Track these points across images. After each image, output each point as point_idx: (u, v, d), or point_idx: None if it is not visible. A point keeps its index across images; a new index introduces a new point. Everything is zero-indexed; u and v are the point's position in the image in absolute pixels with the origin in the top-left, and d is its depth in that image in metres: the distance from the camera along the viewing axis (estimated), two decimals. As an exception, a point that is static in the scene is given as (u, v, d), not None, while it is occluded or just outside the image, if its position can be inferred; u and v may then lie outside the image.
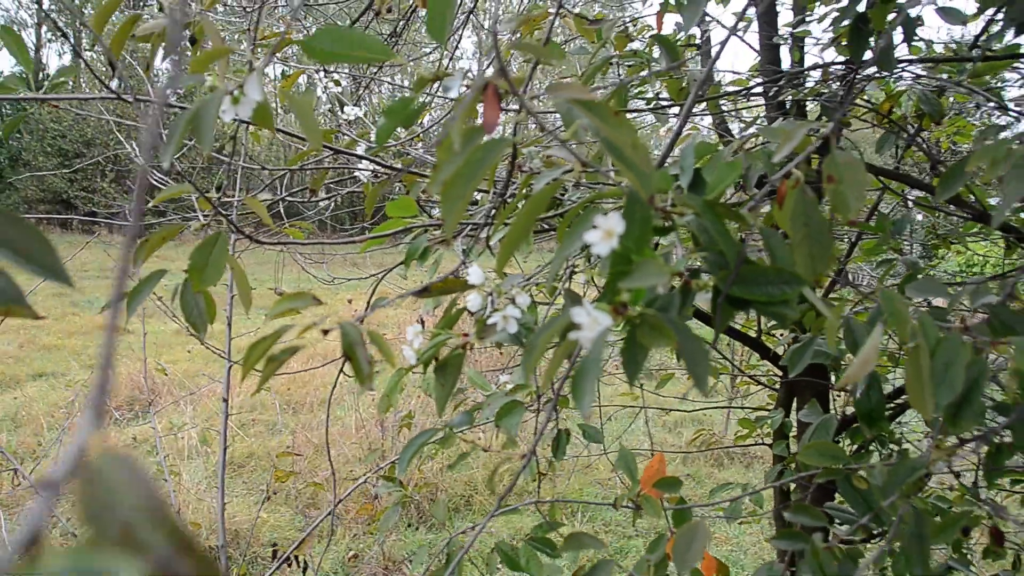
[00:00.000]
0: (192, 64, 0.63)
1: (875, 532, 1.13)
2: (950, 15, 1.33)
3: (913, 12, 1.28)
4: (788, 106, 1.78)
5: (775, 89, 1.70)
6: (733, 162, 0.71)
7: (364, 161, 1.37)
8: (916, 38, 1.32)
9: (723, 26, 1.56)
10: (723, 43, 1.03)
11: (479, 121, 0.57)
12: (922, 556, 0.92)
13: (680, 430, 6.55)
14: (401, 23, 2.28)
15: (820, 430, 1.26)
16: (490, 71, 0.57)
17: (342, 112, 1.58)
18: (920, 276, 1.31)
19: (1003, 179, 0.75)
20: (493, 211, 1.14)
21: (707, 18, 2.14)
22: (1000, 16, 1.33)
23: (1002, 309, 0.94)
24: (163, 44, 0.92)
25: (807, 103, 1.80)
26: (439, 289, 0.87)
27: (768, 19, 1.92)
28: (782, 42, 1.88)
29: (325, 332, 0.66)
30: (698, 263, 0.74)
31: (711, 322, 0.93)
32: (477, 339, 0.83)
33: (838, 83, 1.39)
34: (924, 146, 1.63)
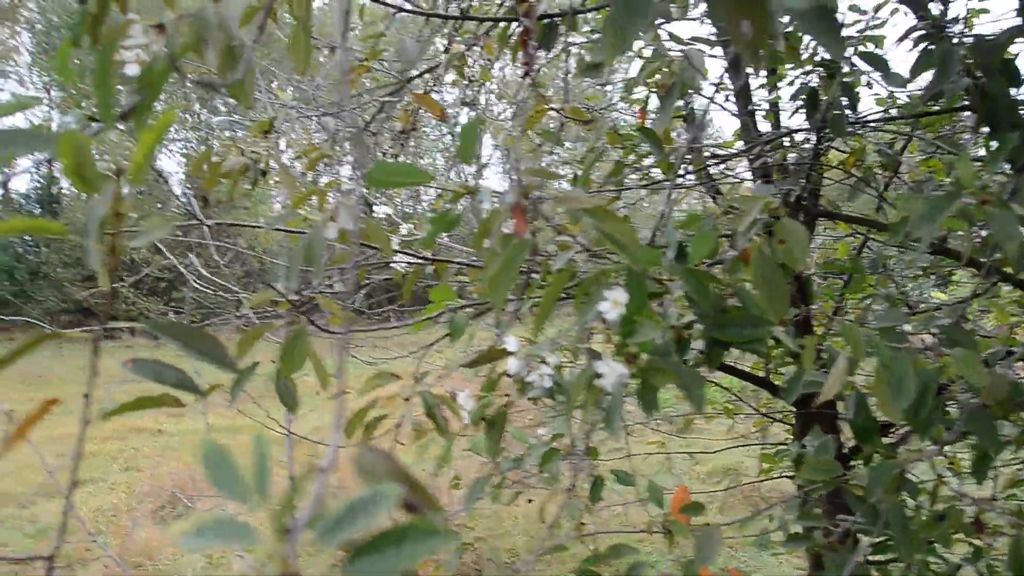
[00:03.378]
0: (292, 202, 0.84)
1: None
2: (892, 80, 1.55)
3: (855, 79, 1.51)
4: (769, 167, 2.00)
5: (754, 154, 1.92)
6: (706, 234, 0.92)
7: (399, 254, 1.59)
8: (875, 95, 1.54)
9: (704, 96, 1.79)
10: (697, 126, 1.25)
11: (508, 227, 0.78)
12: (909, 542, 1.09)
13: (714, 479, 6.64)
14: (410, 125, 2.52)
15: (820, 450, 1.44)
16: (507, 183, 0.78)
17: (372, 211, 1.81)
18: (892, 306, 1.51)
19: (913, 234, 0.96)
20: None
21: (688, 91, 2.39)
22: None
23: (951, 329, 1.14)
24: (242, 178, 1.15)
25: (786, 163, 2.03)
26: (485, 358, 1.07)
27: (743, 92, 2.16)
28: (758, 108, 2.11)
29: (407, 399, 0.86)
30: (691, 317, 0.94)
31: (734, 371, 1.11)
32: (519, 395, 1.03)
33: (806, 146, 1.61)
34: (894, 191, 1.85)
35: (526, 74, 1.20)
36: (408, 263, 1.62)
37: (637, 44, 1.94)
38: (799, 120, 2.30)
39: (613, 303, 0.79)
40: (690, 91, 2.37)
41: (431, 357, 2.23)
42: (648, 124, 1.64)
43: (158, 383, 0.70)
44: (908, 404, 0.98)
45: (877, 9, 1.80)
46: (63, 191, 21.47)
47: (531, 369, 1.05)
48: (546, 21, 1.20)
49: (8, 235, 0.54)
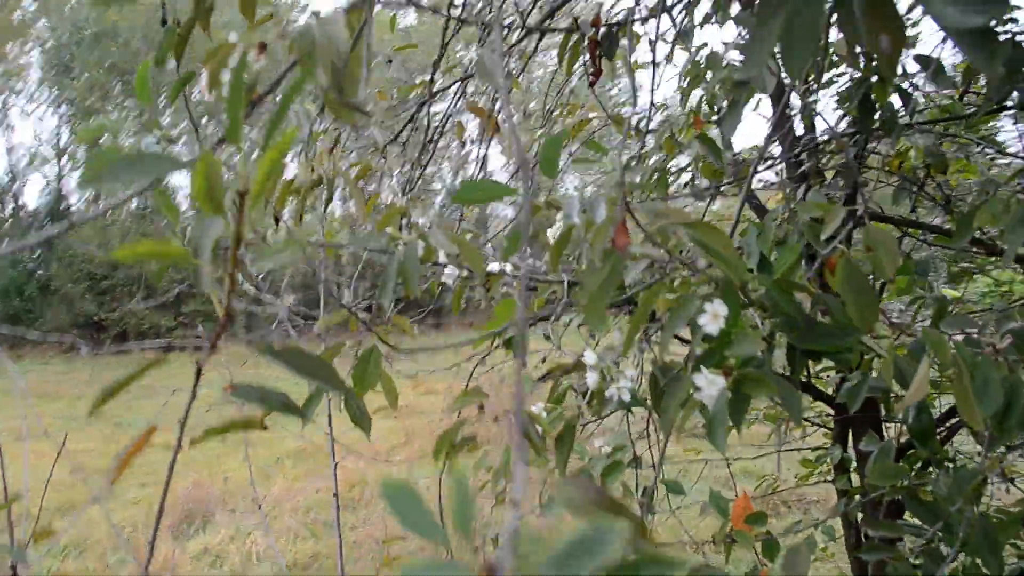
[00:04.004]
0: (378, 224, 0.83)
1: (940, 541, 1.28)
2: (940, 82, 1.54)
3: (905, 83, 1.50)
4: (807, 171, 1.99)
5: (794, 157, 1.91)
6: (793, 247, 0.91)
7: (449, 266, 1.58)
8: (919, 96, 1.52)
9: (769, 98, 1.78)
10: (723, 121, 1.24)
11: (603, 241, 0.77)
12: (994, 555, 1.08)
13: (734, 482, 6.59)
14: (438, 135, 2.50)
15: (882, 455, 1.42)
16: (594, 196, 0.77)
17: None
18: (950, 310, 1.49)
19: (1004, 231, 0.94)
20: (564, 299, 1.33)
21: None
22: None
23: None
24: (313, 195, 1.14)
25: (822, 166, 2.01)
26: (559, 371, 1.06)
27: (778, 94, 2.15)
28: (792, 113, 2.09)
29: (496, 419, 0.85)
30: (770, 327, 0.93)
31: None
32: (597, 411, 1.02)
33: (852, 149, 1.60)
34: (934, 192, 1.83)
35: (592, 84, 1.19)
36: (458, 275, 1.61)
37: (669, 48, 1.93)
38: (830, 120, 2.29)
39: (713, 315, 0.78)
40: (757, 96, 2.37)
41: (466, 368, 2.22)
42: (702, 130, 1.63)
43: (265, 407, 0.69)
44: (995, 410, 0.97)
45: (910, 9, 1.79)
46: (71, 208, 21.52)
47: (608, 382, 1.04)
48: (607, 30, 1.19)
49: (133, 260, 0.53)
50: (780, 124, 2.15)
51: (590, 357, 1.05)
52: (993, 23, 0.50)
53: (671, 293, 0.91)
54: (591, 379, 1.04)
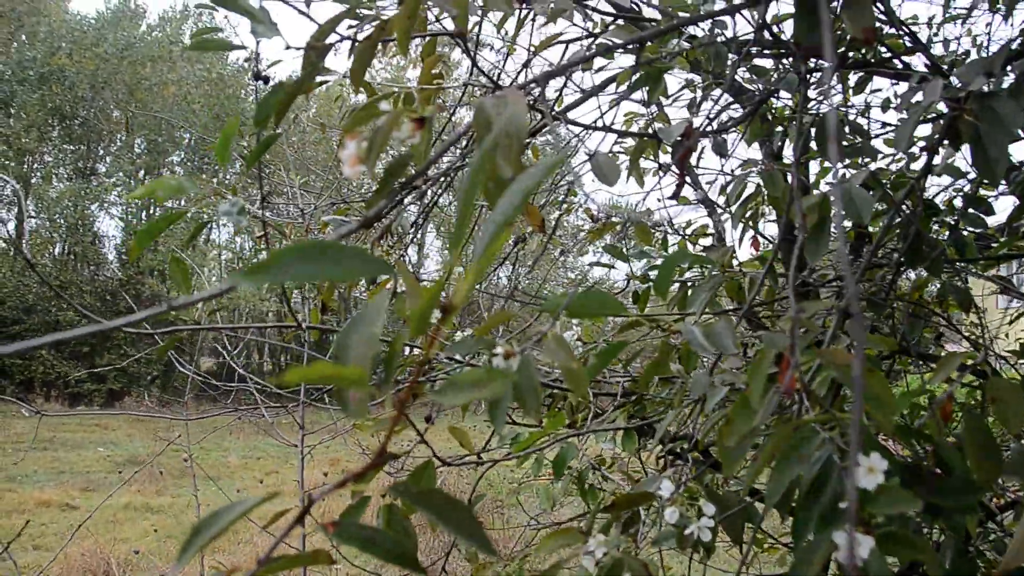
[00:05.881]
0: (478, 330, 0.74)
1: None
2: (975, 223, 1.54)
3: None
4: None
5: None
6: (911, 391, 0.85)
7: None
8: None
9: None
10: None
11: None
12: None
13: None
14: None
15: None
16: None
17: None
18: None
19: None
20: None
21: (719, 210, 2.37)
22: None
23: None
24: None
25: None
26: (630, 502, 0.96)
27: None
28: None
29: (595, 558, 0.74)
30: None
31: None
32: (679, 545, 0.92)
33: (882, 279, 1.57)
34: (950, 326, 1.83)
35: (676, 195, 1.13)
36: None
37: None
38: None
39: (870, 469, 0.69)
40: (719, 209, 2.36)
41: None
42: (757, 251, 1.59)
43: (373, 553, 0.57)
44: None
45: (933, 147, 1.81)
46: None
47: (687, 518, 0.94)
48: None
49: (307, 382, 0.42)
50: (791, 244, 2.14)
51: (667, 488, 0.95)
52: None
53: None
54: (671, 515, 0.94)
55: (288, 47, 0.80)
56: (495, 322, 0.77)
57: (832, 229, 1.05)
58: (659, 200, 2.12)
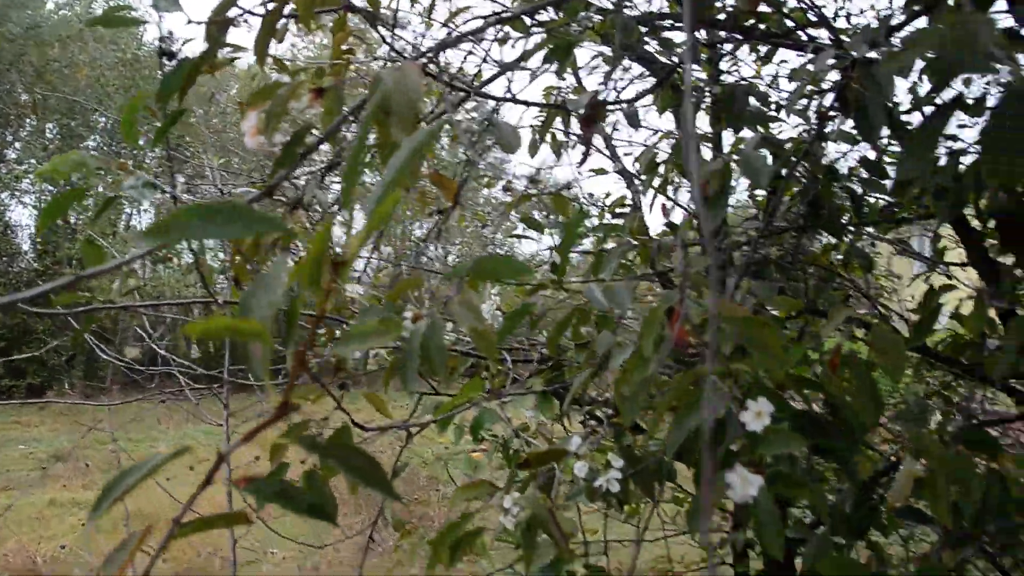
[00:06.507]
0: (389, 295, 0.76)
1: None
2: (872, 186, 1.62)
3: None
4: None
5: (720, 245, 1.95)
6: (801, 344, 0.90)
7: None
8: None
9: (655, 190, 1.82)
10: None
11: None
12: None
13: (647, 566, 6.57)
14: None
15: (825, 545, 1.43)
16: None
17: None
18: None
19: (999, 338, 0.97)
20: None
21: (636, 183, 2.43)
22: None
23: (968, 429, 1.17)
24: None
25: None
26: (543, 459, 1.00)
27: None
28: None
29: (505, 510, 0.78)
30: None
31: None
32: (589, 497, 0.96)
33: (791, 244, 1.65)
34: (856, 286, 1.93)
35: (581, 164, 1.17)
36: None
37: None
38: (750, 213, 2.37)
39: (757, 413, 0.74)
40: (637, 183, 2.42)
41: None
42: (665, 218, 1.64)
43: (288, 509, 0.59)
44: (974, 508, 0.99)
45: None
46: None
47: (595, 471, 0.99)
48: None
49: (207, 336, 0.44)
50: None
51: (575, 443, 1.00)
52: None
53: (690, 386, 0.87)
54: (580, 469, 0.98)
55: (190, 21, 0.80)
56: (404, 287, 0.80)
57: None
58: (579, 173, 2.17)
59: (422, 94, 0.57)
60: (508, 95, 1.20)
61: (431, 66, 0.99)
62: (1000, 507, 1.01)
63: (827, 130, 1.25)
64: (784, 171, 1.32)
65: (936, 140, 0.57)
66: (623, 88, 1.49)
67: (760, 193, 1.92)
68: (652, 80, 1.90)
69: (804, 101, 1.22)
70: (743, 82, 1.70)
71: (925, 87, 1.48)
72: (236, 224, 0.43)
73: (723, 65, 2.24)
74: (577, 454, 0.98)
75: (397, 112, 0.55)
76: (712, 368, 0.78)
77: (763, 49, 2.20)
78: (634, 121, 1.68)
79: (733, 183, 1.21)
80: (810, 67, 1.13)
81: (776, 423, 0.82)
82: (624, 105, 1.60)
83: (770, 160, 1.33)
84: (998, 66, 0.65)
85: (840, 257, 1.90)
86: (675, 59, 1.64)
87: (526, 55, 1.25)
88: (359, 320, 0.79)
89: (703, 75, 2.01)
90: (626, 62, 1.80)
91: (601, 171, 2.21)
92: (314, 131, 0.76)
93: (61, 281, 0.61)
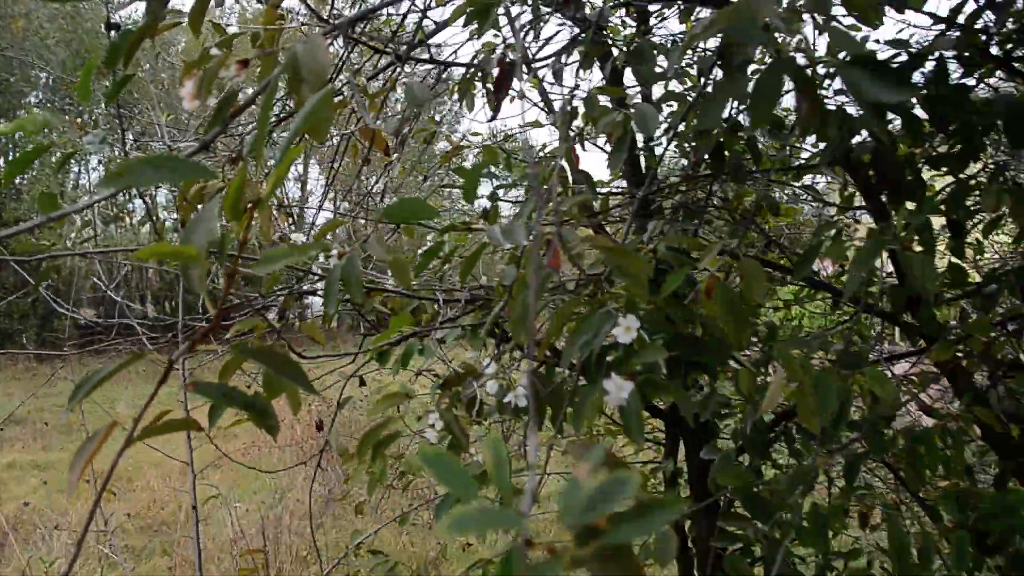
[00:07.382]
0: (317, 234, 0.88)
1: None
2: (775, 135, 1.77)
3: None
4: (652, 207, 2.18)
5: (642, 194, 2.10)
6: (679, 273, 1.05)
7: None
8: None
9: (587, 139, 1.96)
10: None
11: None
12: (824, 539, 1.27)
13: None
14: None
15: (726, 460, 1.60)
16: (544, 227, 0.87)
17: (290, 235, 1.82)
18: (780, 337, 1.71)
19: (847, 267, 1.13)
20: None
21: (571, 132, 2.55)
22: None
23: (846, 353, 1.34)
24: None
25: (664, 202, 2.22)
26: (457, 380, 1.14)
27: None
28: (640, 153, 2.29)
29: (419, 418, 0.92)
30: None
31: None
32: (500, 412, 1.11)
33: (699, 190, 1.80)
34: (763, 231, 2.09)
35: (492, 119, 1.29)
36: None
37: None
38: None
39: (626, 328, 0.89)
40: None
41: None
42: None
43: (230, 405, 0.72)
44: (832, 416, 1.15)
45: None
46: None
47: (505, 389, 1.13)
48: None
49: (154, 259, 0.56)
50: (633, 163, 2.35)
51: (491, 367, 1.14)
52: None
53: (579, 309, 1.02)
54: (492, 387, 1.13)
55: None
56: (328, 228, 0.92)
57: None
58: (520, 125, 2.29)
59: (328, 62, 0.69)
60: (432, 57, 1.31)
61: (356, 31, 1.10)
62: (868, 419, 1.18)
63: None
64: (683, 123, 1.45)
65: (725, 100, 0.71)
66: (543, 44, 1.61)
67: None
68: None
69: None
70: (651, 39, 1.82)
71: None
72: (177, 172, 0.55)
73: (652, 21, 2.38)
74: (488, 375, 1.13)
75: (307, 79, 0.67)
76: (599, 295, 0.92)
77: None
78: (558, 75, 1.80)
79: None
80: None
81: (653, 341, 0.97)
82: (550, 59, 1.72)
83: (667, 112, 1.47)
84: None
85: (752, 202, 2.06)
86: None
87: (449, 21, 1.36)
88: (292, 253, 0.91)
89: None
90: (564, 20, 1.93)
91: (536, 124, 2.33)
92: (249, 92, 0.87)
93: (28, 224, 0.72)
